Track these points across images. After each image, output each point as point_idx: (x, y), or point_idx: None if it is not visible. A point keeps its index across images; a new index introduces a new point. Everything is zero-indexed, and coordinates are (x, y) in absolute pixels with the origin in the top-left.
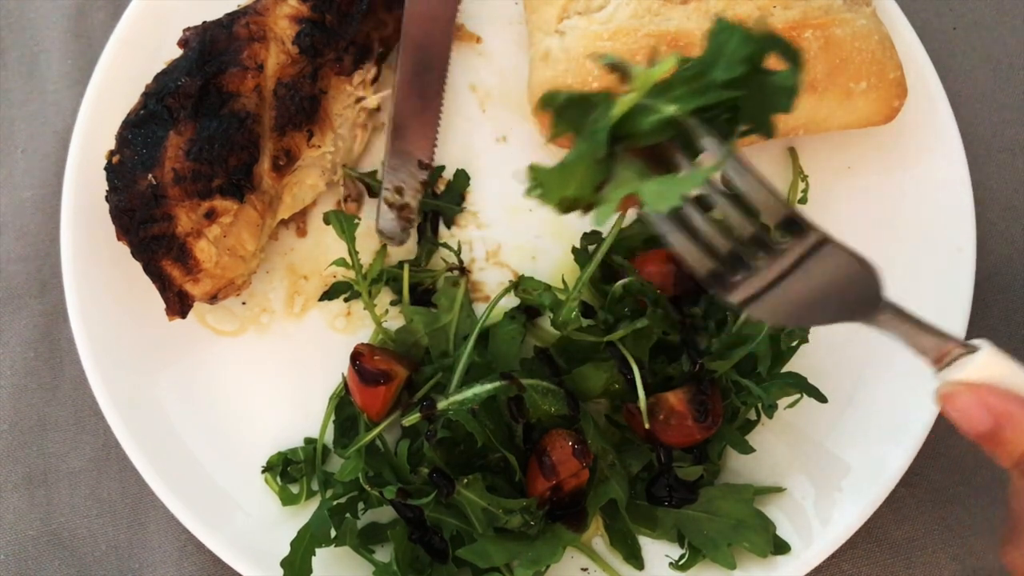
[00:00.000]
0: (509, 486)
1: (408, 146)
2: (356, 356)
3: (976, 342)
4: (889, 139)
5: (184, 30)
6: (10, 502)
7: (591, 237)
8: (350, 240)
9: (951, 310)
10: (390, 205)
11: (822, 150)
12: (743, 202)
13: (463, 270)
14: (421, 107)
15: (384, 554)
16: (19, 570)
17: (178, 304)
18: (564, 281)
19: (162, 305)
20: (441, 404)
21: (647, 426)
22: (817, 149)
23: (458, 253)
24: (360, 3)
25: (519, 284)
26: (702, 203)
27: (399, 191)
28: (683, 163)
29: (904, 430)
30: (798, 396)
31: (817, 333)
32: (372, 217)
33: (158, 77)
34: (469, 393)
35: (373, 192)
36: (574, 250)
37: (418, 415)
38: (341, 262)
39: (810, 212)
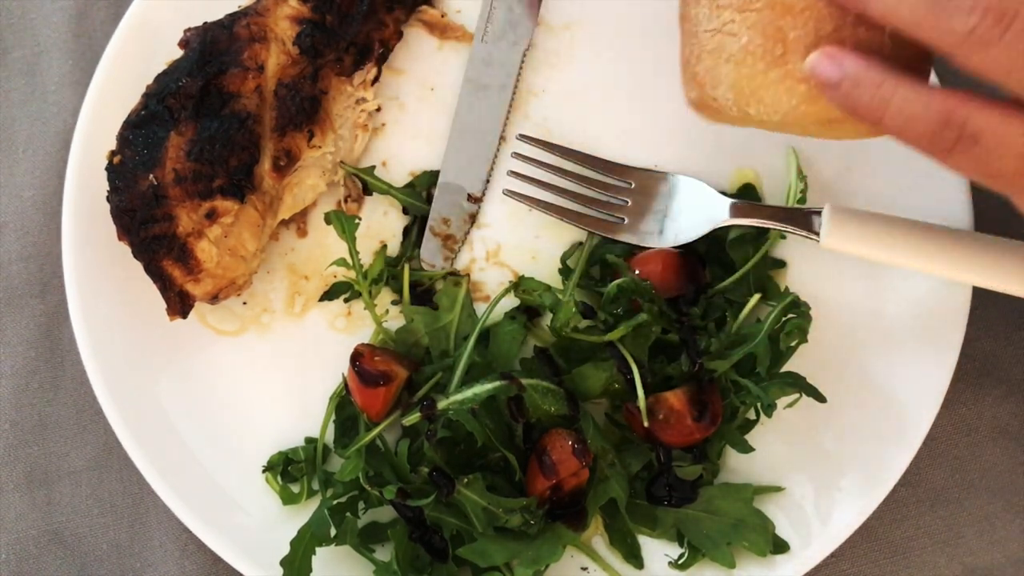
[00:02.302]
0: (509, 485)
1: (460, 180)
2: (356, 357)
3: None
4: (888, 140)
5: (185, 31)
6: (11, 501)
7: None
8: (350, 240)
9: (950, 310)
10: (435, 234)
11: (822, 150)
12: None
13: (455, 273)
14: (477, 144)
15: (384, 553)
16: (20, 569)
17: (179, 304)
18: (564, 281)
19: (163, 305)
20: (441, 404)
21: (646, 425)
22: (817, 149)
23: (456, 256)
24: (360, 4)
25: (519, 284)
26: None
27: (446, 222)
28: None
29: (904, 430)
30: (797, 396)
31: (817, 333)
32: (372, 217)
33: (159, 78)
34: (469, 393)
35: (368, 190)
36: (562, 260)
37: (418, 415)
38: (341, 262)
39: None
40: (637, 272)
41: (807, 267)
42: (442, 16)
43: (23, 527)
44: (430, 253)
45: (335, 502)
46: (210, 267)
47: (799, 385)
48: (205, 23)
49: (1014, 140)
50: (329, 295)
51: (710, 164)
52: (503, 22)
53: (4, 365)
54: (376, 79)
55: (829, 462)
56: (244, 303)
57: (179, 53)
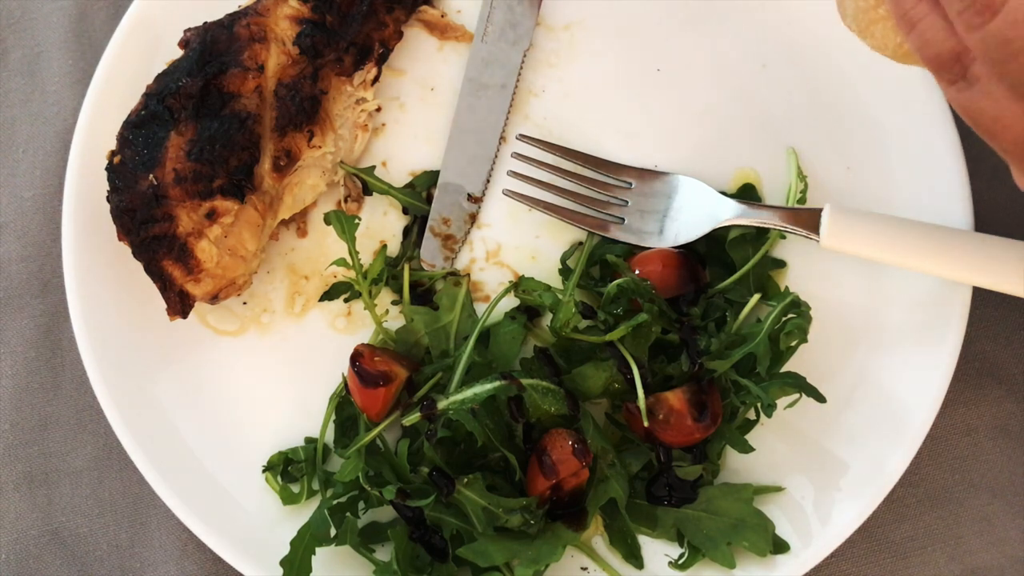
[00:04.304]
0: (509, 485)
1: (460, 180)
2: (356, 357)
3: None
4: (889, 141)
5: (185, 31)
6: (11, 501)
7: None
8: (350, 240)
9: (950, 310)
10: (435, 234)
11: (822, 150)
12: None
13: (455, 273)
14: (477, 144)
15: (384, 553)
16: (20, 569)
17: (179, 304)
18: (564, 281)
19: (163, 305)
20: (441, 404)
21: (646, 425)
22: (817, 149)
23: (456, 256)
24: (360, 4)
25: (519, 284)
26: None
27: (446, 222)
28: None
29: (904, 430)
30: (797, 396)
31: (817, 333)
32: (372, 217)
33: (159, 77)
34: (469, 393)
35: (368, 190)
36: (561, 260)
37: (418, 415)
38: (341, 262)
39: None
40: (637, 272)
41: (807, 267)
42: (442, 16)
43: (23, 527)
44: (430, 253)
45: (335, 502)
46: (210, 267)
47: (799, 385)
48: (205, 23)
49: (995, 95)
50: (329, 295)
51: (710, 164)
52: (503, 22)
53: (4, 365)
54: (376, 79)
55: (829, 462)
56: (244, 303)
57: (179, 53)
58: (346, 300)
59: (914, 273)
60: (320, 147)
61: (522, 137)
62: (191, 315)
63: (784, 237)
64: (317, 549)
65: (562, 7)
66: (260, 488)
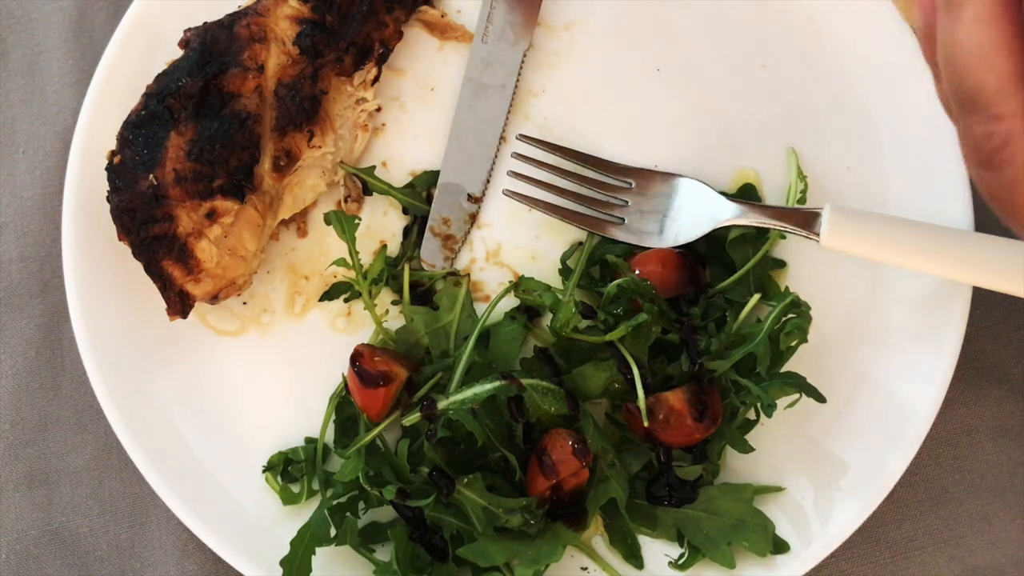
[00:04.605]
0: (509, 485)
1: (460, 180)
2: (356, 357)
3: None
4: (889, 141)
5: (185, 31)
6: (11, 501)
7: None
8: (350, 240)
9: (950, 310)
10: (435, 234)
11: (822, 150)
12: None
13: (455, 273)
14: (477, 144)
15: (384, 553)
16: (20, 569)
17: (179, 304)
18: (564, 281)
19: (163, 305)
20: (441, 404)
21: (646, 425)
22: (817, 149)
23: (456, 256)
24: (360, 4)
25: (519, 284)
26: None
27: (446, 222)
28: None
29: (904, 430)
30: (797, 396)
31: (817, 333)
32: (372, 217)
33: (159, 77)
34: (469, 393)
35: (368, 190)
36: (561, 260)
37: (418, 415)
38: (341, 262)
39: None
40: (637, 272)
41: (807, 267)
42: (442, 16)
43: (23, 527)
44: (430, 253)
45: (335, 502)
46: (210, 267)
47: (799, 385)
48: (205, 23)
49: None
50: (329, 295)
51: (710, 164)
52: (503, 22)
53: (4, 365)
54: (376, 79)
55: (829, 462)
56: (244, 303)
57: (179, 53)
58: (346, 300)
59: (914, 273)
60: (320, 147)
61: (522, 137)
62: (191, 315)
63: (784, 237)
64: (317, 549)
65: (562, 7)
66: (260, 488)
